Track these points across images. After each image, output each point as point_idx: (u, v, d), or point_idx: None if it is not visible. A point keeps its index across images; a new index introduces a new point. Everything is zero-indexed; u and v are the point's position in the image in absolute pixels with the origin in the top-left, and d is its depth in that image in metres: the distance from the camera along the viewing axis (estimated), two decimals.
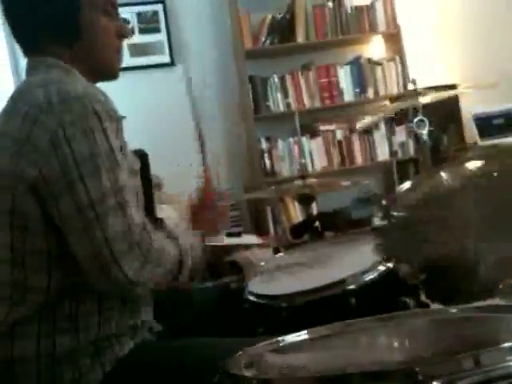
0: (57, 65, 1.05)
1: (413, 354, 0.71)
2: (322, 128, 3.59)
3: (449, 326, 0.81)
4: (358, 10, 3.60)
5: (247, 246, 2.33)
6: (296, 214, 3.39)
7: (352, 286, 1.13)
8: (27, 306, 0.98)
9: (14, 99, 1.03)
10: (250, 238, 2.73)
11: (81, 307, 0.99)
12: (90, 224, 0.92)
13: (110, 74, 1.15)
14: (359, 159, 3.59)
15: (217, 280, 2.02)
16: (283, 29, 3.53)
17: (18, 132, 0.96)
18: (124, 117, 1.09)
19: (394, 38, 3.62)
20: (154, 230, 1.01)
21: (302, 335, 0.88)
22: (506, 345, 0.57)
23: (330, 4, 3.56)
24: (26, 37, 1.09)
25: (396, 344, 0.80)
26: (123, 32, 1.15)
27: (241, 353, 0.80)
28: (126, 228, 0.93)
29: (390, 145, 3.60)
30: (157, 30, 3.63)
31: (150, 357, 1.01)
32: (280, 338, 0.87)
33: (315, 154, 3.55)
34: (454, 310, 0.85)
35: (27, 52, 1.10)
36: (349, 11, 3.58)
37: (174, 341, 1.08)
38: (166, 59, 3.63)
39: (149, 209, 1.17)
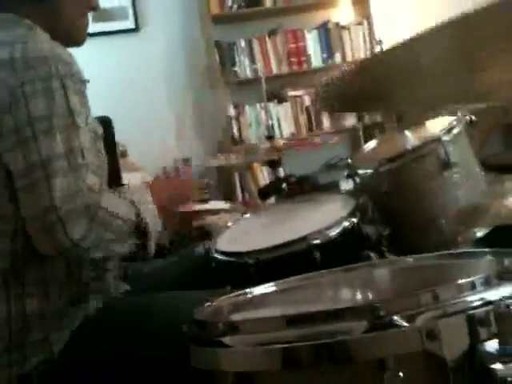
0: (20, 22, 1.02)
1: (375, 297, 0.73)
2: (290, 94, 3.58)
3: (408, 272, 0.84)
4: None
5: (215, 212, 2.34)
6: (264, 179, 3.41)
7: (317, 241, 1.15)
8: None
9: None
10: (218, 204, 2.73)
11: (49, 271, 0.99)
12: (37, 183, 0.90)
13: (75, 39, 1.12)
14: (327, 125, 3.61)
15: (186, 246, 2.02)
16: None
17: None
18: (88, 80, 1.07)
19: (362, 2, 3.61)
20: (111, 195, 0.99)
21: (269, 287, 0.90)
22: (462, 281, 0.59)
23: None
24: None
25: (359, 291, 0.82)
26: (92, 3, 1.13)
27: (208, 303, 0.81)
28: (75, 190, 0.91)
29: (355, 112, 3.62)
30: None
31: (117, 312, 1.02)
32: (247, 290, 0.89)
33: (283, 119, 3.56)
34: (411, 259, 0.88)
35: None
36: None
37: (140, 296, 1.08)
38: (131, 25, 3.55)
39: (114, 174, 1.16)
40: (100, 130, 1.09)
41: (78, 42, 1.12)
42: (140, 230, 1.03)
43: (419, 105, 0.95)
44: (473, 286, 0.59)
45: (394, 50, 0.65)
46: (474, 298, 0.57)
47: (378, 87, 0.75)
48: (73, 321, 1.00)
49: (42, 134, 0.91)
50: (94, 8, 1.14)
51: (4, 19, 1.03)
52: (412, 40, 0.62)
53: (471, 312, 0.56)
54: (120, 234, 0.98)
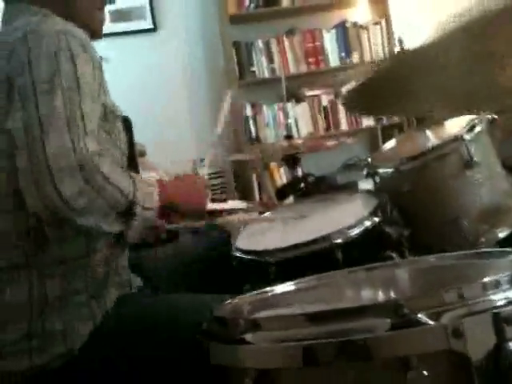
0: (38, 11, 1.05)
1: (398, 296, 0.73)
2: (308, 93, 3.57)
3: (430, 272, 0.83)
4: None
5: (233, 211, 2.34)
6: (282, 179, 3.40)
7: (338, 241, 1.15)
8: (13, 251, 0.97)
9: None
10: (236, 204, 2.74)
11: (67, 252, 0.98)
12: (33, 139, 0.89)
13: (92, 32, 1.13)
14: (344, 124, 3.59)
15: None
16: None
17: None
18: (104, 58, 1.08)
19: (379, 2, 3.59)
20: (110, 160, 0.95)
21: (289, 286, 0.90)
22: (487, 279, 0.58)
23: None
24: None
25: (380, 290, 0.82)
26: None
27: (229, 301, 0.81)
28: (70, 150, 0.88)
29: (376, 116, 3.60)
30: None
31: (138, 309, 1.02)
32: (267, 289, 0.88)
33: (300, 119, 3.54)
34: (433, 259, 0.87)
35: None
36: None
37: (159, 295, 1.08)
38: (148, 25, 3.57)
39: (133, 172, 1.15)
40: (119, 112, 1.09)
41: (95, 34, 1.14)
42: (129, 213, 0.96)
43: (442, 107, 0.94)
44: (498, 285, 0.58)
45: (414, 51, 0.64)
46: (499, 297, 0.57)
47: (399, 90, 0.75)
48: (92, 314, 1.00)
49: (43, 94, 0.91)
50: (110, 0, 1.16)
51: (22, 9, 1.06)
52: (431, 40, 0.61)
53: (497, 310, 0.55)
54: (113, 206, 0.93)
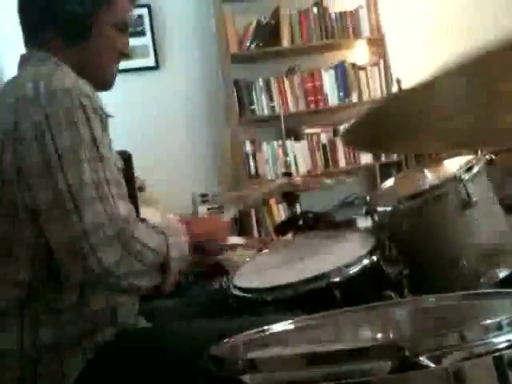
0: (47, 59, 1.05)
1: (397, 337, 0.72)
2: (307, 131, 3.61)
3: (430, 312, 0.82)
4: (343, 15, 3.63)
5: (232, 247, 2.33)
6: (280, 215, 3.40)
7: (336, 279, 1.14)
8: (7, 300, 0.97)
9: (3, 93, 1.03)
10: (234, 239, 2.72)
11: (62, 301, 0.98)
12: (67, 213, 0.91)
13: (102, 84, 1.14)
14: (343, 162, 3.61)
15: (203, 281, 2.01)
16: (268, 33, 3.55)
17: (5, 123, 0.96)
18: (112, 116, 1.10)
19: (377, 43, 3.67)
20: (144, 226, 0.99)
21: (287, 325, 0.89)
22: (489, 321, 0.57)
23: (315, 9, 3.60)
24: (33, 28, 1.10)
25: (380, 330, 0.80)
26: (125, 50, 1.17)
27: (226, 340, 0.80)
28: (105, 220, 0.91)
29: (375, 152, 3.63)
30: (142, 34, 3.62)
31: (132, 342, 1.01)
32: (265, 327, 0.87)
33: (299, 157, 3.57)
34: (433, 299, 0.86)
35: (28, 42, 1.11)
36: (333, 17, 3.62)
37: (155, 327, 1.07)
38: (151, 62, 3.63)
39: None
40: (120, 163, 1.10)
41: (105, 86, 1.15)
42: (164, 268, 1.01)
43: (440, 146, 0.94)
44: (499, 327, 0.57)
45: (412, 90, 0.65)
46: (500, 340, 0.56)
47: (398, 128, 0.75)
48: (86, 351, 0.99)
49: (69, 165, 0.93)
50: (127, 54, 1.17)
51: (34, 56, 1.07)
52: (430, 80, 0.61)
53: (499, 354, 0.54)
54: (150, 266, 0.97)
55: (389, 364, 0.54)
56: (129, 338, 1.03)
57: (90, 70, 1.09)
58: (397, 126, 0.73)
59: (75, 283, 0.98)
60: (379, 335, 0.78)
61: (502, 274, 1.23)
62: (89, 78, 1.07)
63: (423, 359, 0.53)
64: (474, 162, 1.33)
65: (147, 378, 0.96)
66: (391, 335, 0.75)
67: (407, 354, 0.53)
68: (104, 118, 1.01)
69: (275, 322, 0.85)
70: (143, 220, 1.09)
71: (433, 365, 0.53)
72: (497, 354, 0.54)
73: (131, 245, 0.93)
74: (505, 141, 0.84)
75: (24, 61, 1.09)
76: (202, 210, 3.39)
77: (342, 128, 3.53)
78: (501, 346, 0.55)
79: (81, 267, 0.91)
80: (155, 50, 3.62)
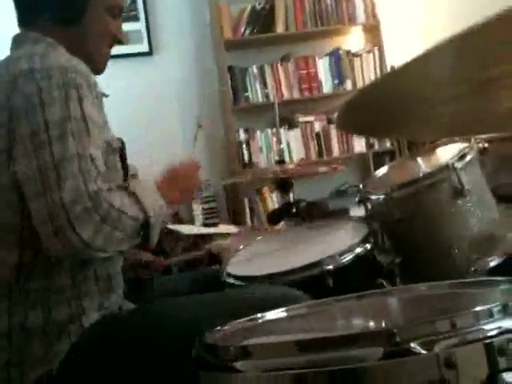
0: (42, 39, 1.06)
1: (389, 324, 0.72)
2: (301, 119, 3.60)
3: (422, 300, 0.83)
4: (338, 1, 3.61)
5: (224, 235, 2.33)
6: (273, 204, 3.40)
7: (329, 267, 1.14)
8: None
9: None
10: (227, 228, 2.73)
11: (52, 283, 0.99)
12: (48, 186, 0.91)
13: (95, 67, 1.14)
14: (336, 151, 3.61)
15: (195, 270, 2.01)
16: (263, 19, 3.53)
17: (0, 100, 0.96)
18: (107, 95, 1.10)
19: (372, 30, 3.65)
20: (119, 194, 0.98)
21: (280, 313, 0.89)
22: (479, 308, 0.58)
23: None
24: (27, 9, 1.10)
25: (372, 318, 0.81)
26: (119, 35, 1.17)
27: (218, 328, 0.80)
28: (85, 193, 0.91)
29: (367, 137, 3.63)
30: (135, 19, 3.58)
31: (115, 324, 1.01)
32: (258, 315, 0.88)
33: (293, 145, 3.57)
34: (425, 288, 0.86)
35: (22, 23, 1.11)
36: (328, 3, 3.60)
37: (140, 309, 1.08)
38: (145, 48, 3.60)
39: None
40: (117, 144, 1.10)
41: (97, 70, 1.15)
42: (144, 226, 1.01)
43: (431, 131, 0.94)
44: (490, 314, 0.58)
45: (401, 71, 0.63)
46: (491, 327, 0.56)
47: (388, 111, 0.75)
48: (71, 335, 0.99)
49: (56, 139, 0.93)
50: (119, 40, 1.17)
51: (29, 37, 1.07)
52: (416, 60, 0.60)
53: (489, 340, 0.54)
54: (129, 233, 0.98)
55: (380, 350, 0.54)
56: (113, 321, 1.03)
57: (82, 53, 1.09)
58: (387, 109, 0.72)
59: (60, 261, 0.98)
60: (371, 323, 0.79)
61: (493, 262, 1.24)
62: (81, 59, 1.07)
63: (414, 346, 0.53)
64: (466, 150, 1.34)
65: (132, 361, 0.96)
66: (383, 323, 0.76)
67: (398, 340, 0.53)
68: (99, 96, 1.02)
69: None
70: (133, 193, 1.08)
71: (424, 351, 0.53)
72: (487, 340, 0.54)
73: (110, 215, 0.93)
74: (499, 127, 0.84)
75: (18, 41, 1.09)
76: (196, 198, 3.38)
77: (335, 117, 3.52)
78: (491, 333, 0.55)
79: (60, 240, 0.91)
80: (149, 36, 3.59)
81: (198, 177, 1.23)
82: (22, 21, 1.12)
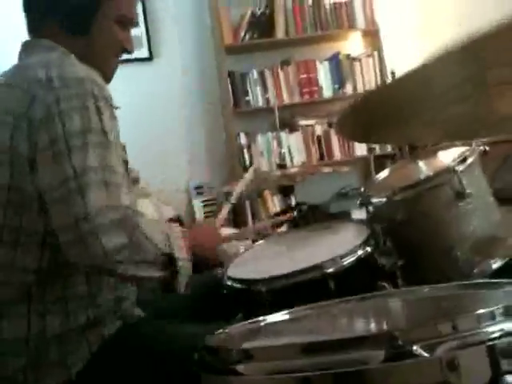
0: (56, 47, 1.06)
1: (391, 327, 0.72)
2: (301, 123, 3.61)
3: (424, 303, 0.83)
4: (337, 6, 3.62)
5: (226, 239, 2.32)
6: (275, 208, 3.40)
7: (331, 270, 1.14)
8: (15, 286, 0.97)
9: (12, 77, 1.03)
10: (229, 231, 2.72)
11: (70, 289, 0.99)
12: (71, 194, 0.90)
13: (102, 76, 1.12)
14: (337, 154, 3.62)
15: (197, 272, 2.01)
16: (263, 24, 3.54)
17: (18, 107, 0.97)
18: (118, 107, 1.10)
19: (372, 35, 3.66)
20: (149, 219, 0.99)
21: (281, 315, 0.89)
22: (482, 311, 0.58)
23: (310, 0, 3.58)
24: (37, 17, 1.11)
25: (374, 320, 0.81)
26: (128, 45, 1.17)
27: (221, 330, 0.80)
28: (109, 204, 0.91)
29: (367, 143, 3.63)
30: (135, 24, 3.59)
31: (136, 338, 1.01)
32: (260, 318, 0.87)
33: (294, 148, 3.57)
34: (427, 290, 0.86)
35: (31, 30, 1.12)
36: (328, 8, 3.61)
37: (157, 322, 1.08)
38: (145, 54, 3.61)
39: None
40: (125, 157, 1.10)
41: (105, 79, 1.14)
42: (170, 265, 1.00)
43: (434, 135, 0.94)
44: (492, 317, 0.58)
45: (403, 78, 0.64)
46: (494, 329, 0.56)
47: (390, 118, 0.75)
48: (90, 343, 0.99)
49: (76, 149, 0.93)
50: (128, 50, 1.17)
51: (41, 44, 1.08)
52: (421, 67, 0.60)
53: (492, 343, 0.54)
54: (151, 260, 0.96)
55: (382, 353, 0.54)
56: (132, 332, 1.03)
57: (90, 63, 1.09)
58: (388, 114, 0.72)
59: (78, 268, 0.97)
60: (373, 325, 0.79)
61: (495, 265, 1.24)
62: None
63: (417, 348, 0.53)
64: (468, 153, 1.33)
65: (149, 373, 0.96)
66: (385, 325, 0.76)
67: (401, 343, 0.53)
68: (112, 108, 1.02)
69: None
70: (167, 233, 1.08)
71: (426, 354, 0.53)
72: (490, 343, 0.54)
73: (135, 233, 0.92)
74: (501, 130, 0.84)
75: (29, 47, 1.10)
76: (197, 202, 3.38)
77: (335, 123, 3.53)
78: (494, 336, 0.55)
79: (82, 248, 0.90)
80: (149, 41, 3.60)
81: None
82: (31, 28, 1.12)
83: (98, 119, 0.95)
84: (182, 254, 1.02)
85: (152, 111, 3.54)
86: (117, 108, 1.04)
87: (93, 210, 0.89)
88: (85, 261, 0.92)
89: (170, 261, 0.99)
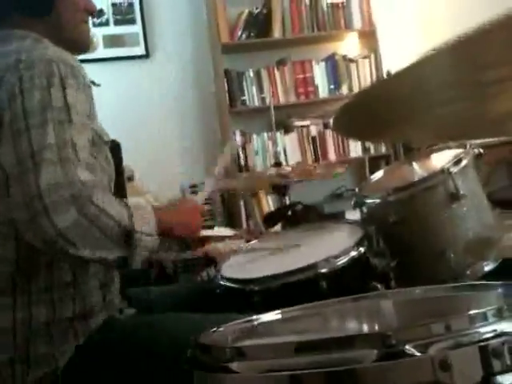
0: (28, 35, 1.06)
1: (383, 327, 0.72)
2: (297, 123, 3.61)
3: (417, 304, 0.83)
4: (334, 7, 3.63)
5: (220, 238, 2.32)
6: (269, 207, 3.40)
7: (324, 270, 1.14)
8: (4, 279, 0.96)
9: None
10: (223, 231, 2.72)
11: (56, 279, 0.98)
12: (25, 173, 0.90)
13: (79, 46, 1.16)
14: (332, 155, 3.62)
15: (190, 273, 2.01)
16: (260, 23, 3.54)
17: None
18: (97, 84, 1.10)
19: (369, 36, 3.67)
20: (109, 194, 0.96)
21: (274, 315, 0.89)
22: (474, 312, 0.58)
23: (307, 0, 3.59)
24: (1, 10, 1.10)
25: (366, 321, 0.81)
26: (90, 7, 1.18)
27: (214, 329, 0.80)
28: (63, 181, 0.89)
29: (363, 141, 3.64)
30: (132, 22, 3.59)
31: (122, 330, 1.01)
32: (253, 317, 0.87)
33: (289, 149, 3.57)
34: (420, 291, 0.86)
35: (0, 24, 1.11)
36: (325, 8, 3.61)
37: (144, 316, 1.08)
38: (141, 51, 3.60)
39: (120, 197, 1.16)
40: (107, 137, 1.10)
41: (82, 48, 1.17)
42: (128, 238, 0.96)
43: (428, 135, 0.94)
44: (485, 317, 0.58)
45: (397, 76, 0.64)
46: (486, 330, 0.56)
47: (385, 115, 0.75)
48: (77, 335, 0.99)
49: (35, 127, 0.92)
50: (92, 12, 1.18)
51: (11, 34, 1.08)
52: (414, 64, 0.60)
53: (484, 343, 0.55)
54: (109, 235, 0.93)
55: (375, 352, 0.54)
56: (117, 326, 1.03)
57: (62, 39, 1.10)
58: (383, 112, 0.72)
59: (50, 256, 0.96)
60: (366, 325, 0.79)
61: (488, 266, 1.24)
62: (65, 44, 1.08)
63: (409, 348, 0.53)
64: (462, 155, 1.34)
65: (134, 369, 0.96)
66: (378, 325, 0.76)
67: (393, 342, 0.54)
68: (88, 86, 1.02)
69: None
70: (128, 206, 1.07)
71: (419, 353, 0.53)
72: (482, 343, 0.54)
73: (88, 208, 0.90)
74: (496, 131, 0.84)
75: (2, 39, 1.09)
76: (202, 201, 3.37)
77: (332, 120, 3.54)
78: (486, 336, 0.56)
79: (34, 228, 0.89)
80: (145, 39, 3.59)
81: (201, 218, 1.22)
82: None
83: (61, 95, 0.95)
84: (146, 229, 0.98)
85: (147, 109, 3.53)
86: (96, 85, 1.05)
87: (44, 188, 0.88)
88: (38, 241, 0.90)
89: (128, 234, 0.96)
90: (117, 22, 3.56)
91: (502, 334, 0.55)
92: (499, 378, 0.53)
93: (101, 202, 0.92)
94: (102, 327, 1.01)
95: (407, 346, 0.53)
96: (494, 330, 0.56)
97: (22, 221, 0.90)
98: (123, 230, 0.95)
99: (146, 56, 3.60)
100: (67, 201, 0.89)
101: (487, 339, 0.55)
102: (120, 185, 1.29)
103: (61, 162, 0.91)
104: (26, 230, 0.90)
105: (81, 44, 1.16)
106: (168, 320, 1.04)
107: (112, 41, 3.53)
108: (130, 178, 2.79)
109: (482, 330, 0.56)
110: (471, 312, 0.58)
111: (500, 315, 0.58)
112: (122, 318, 1.07)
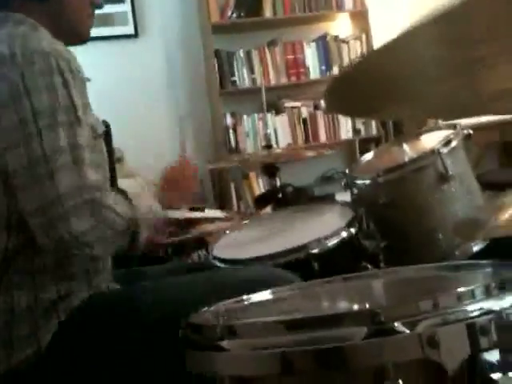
0: (24, 21, 1.03)
1: (374, 305, 0.73)
2: (288, 105, 3.59)
3: (407, 283, 0.84)
4: None
5: (211, 220, 2.32)
6: (260, 189, 3.40)
7: (315, 251, 1.15)
8: None
9: None
10: (214, 212, 2.73)
11: (37, 263, 0.98)
12: (40, 178, 0.90)
13: (79, 36, 1.13)
14: (323, 137, 3.62)
15: (182, 256, 2.01)
16: (250, 3, 3.50)
17: None
18: (89, 79, 1.08)
19: (360, 16, 3.64)
20: (112, 193, 0.99)
21: (265, 295, 0.90)
22: (462, 289, 0.59)
23: None
24: None
25: (357, 300, 0.82)
26: (96, 0, 1.15)
27: (205, 309, 0.80)
28: (78, 185, 0.91)
29: (354, 123, 3.64)
30: (121, 0, 3.53)
31: (105, 304, 1.01)
32: (244, 297, 0.88)
33: (280, 130, 3.56)
34: (410, 270, 0.87)
35: (1, 6, 1.07)
36: None
37: (127, 288, 1.08)
38: (130, 30, 3.55)
39: (110, 179, 1.16)
40: (101, 129, 1.09)
41: (82, 38, 1.14)
42: (132, 227, 1.01)
43: (417, 112, 0.93)
44: (473, 295, 0.59)
45: (384, 50, 0.62)
46: (474, 307, 0.57)
47: (374, 90, 0.74)
48: (59, 314, 0.99)
49: (46, 129, 0.92)
50: (98, 4, 1.15)
51: (8, 18, 1.05)
52: (400, 37, 0.58)
53: (471, 321, 0.55)
54: (121, 233, 0.98)
55: (365, 330, 0.55)
56: (101, 299, 1.03)
57: (64, 24, 1.08)
58: (373, 88, 0.71)
59: (47, 251, 0.97)
60: (356, 304, 0.80)
61: (476, 247, 1.26)
62: (64, 33, 1.06)
63: (398, 325, 0.54)
64: (452, 136, 1.35)
65: (119, 341, 0.96)
66: (367, 304, 0.77)
67: (382, 319, 0.54)
68: (82, 81, 1.01)
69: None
70: (123, 191, 1.09)
71: (407, 330, 0.54)
72: (469, 321, 0.55)
73: (102, 213, 0.93)
74: (484, 110, 0.84)
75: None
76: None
77: (323, 102, 3.53)
78: (473, 314, 0.56)
79: (51, 234, 0.90)
80: (134, 18, 3.54)
81: (196, 178, 1.24)
82: (1, 3, 1.08)
83: (66, 93, 0.94)
84: (149, 210, 1.05)
85: (136, 89, 3.50)
86: (87, 80, 1.03)
87: (62, 194, 0.89)
88: (56, 246, 0.92)
89: (134, 223, 1.01)
90: (106, 1, 3.49)
91: (490, 311, 0.56)
92: (486, 355, 0.54)
93: (113, 203, 0.95)
94: (84, 303, 1.01)
95: (396, 324, 0.54)
96: (482, 308, 0.57)
97: (40, 228, 0.91)
98: (129, 222, 0.99)
99: (135, 35, 3.55)
100: (84, 205, 0.90)
101: (475, 317, 0.56)
102: (111, 168, 1.28)
103: (74, 165, 0.92)
104: (44, 237, 0.92)
105: (80, 34, 1.13)
106: (149, 287, 1.05)
107: (101, 20, 3.47)
108: (120, 160, 2.77)
109: (470, 307, 0.57)
110: (459, 290, 0.59)
111: (488, 293, 0.59)
112: (105, 294, 1.07)
